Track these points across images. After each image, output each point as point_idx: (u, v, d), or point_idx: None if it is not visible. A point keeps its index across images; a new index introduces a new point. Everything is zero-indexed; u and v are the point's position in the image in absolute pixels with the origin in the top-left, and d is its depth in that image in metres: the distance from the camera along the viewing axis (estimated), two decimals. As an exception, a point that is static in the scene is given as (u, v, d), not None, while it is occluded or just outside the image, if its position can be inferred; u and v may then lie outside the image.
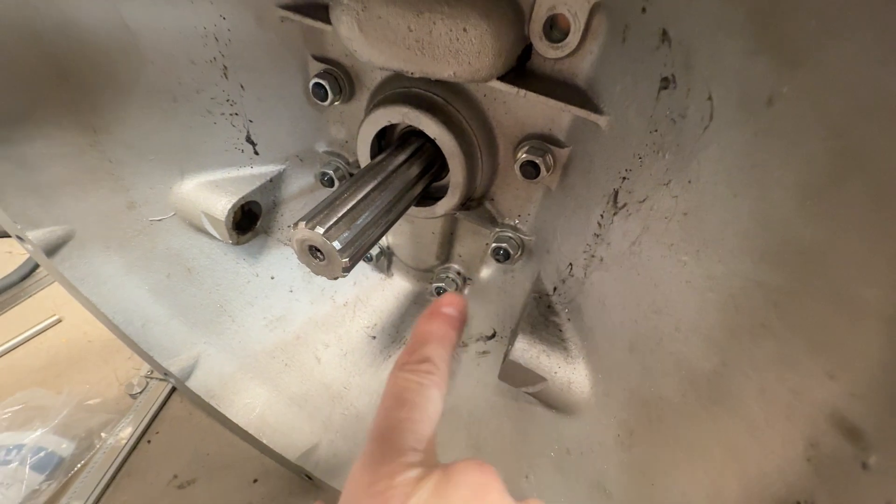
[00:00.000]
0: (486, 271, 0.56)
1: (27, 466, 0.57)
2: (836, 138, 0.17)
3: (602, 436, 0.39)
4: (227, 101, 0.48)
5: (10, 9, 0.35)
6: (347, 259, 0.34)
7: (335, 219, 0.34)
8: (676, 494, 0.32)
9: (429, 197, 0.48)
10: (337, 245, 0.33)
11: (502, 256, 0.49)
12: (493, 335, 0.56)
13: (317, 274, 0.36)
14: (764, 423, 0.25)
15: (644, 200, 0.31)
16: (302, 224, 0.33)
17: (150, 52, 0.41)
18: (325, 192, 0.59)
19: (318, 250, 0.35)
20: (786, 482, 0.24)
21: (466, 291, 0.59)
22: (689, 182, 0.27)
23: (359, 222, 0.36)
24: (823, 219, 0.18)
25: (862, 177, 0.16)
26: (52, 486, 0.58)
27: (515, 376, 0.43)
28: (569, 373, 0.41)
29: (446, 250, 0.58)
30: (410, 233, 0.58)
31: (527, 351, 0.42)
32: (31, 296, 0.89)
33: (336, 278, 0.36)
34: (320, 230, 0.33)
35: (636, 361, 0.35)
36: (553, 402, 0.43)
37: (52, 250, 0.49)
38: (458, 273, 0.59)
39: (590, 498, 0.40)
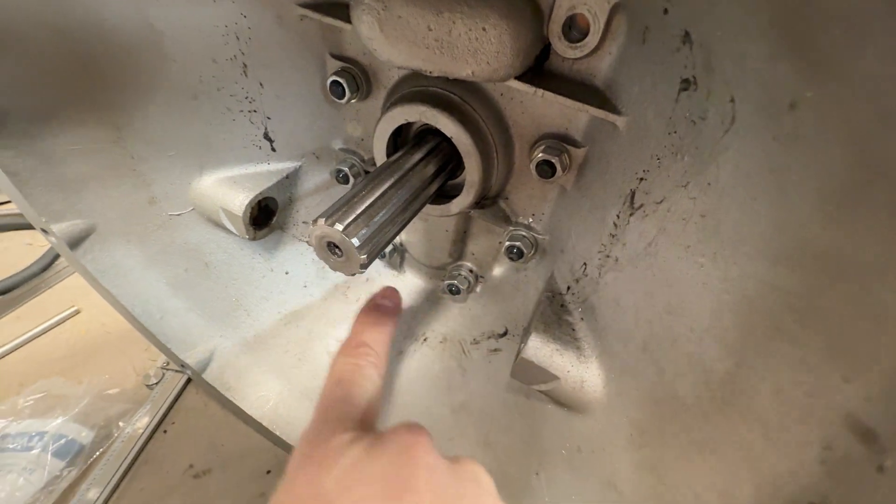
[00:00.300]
0: (499, 269, 0.57)
1: (49, 453, 0.59)
2: (858, 144, 0.17)
3: (614, 434, 0.39)
4: (246, 98, 0.48)
5: (39, 7, 0.36)
6: (365, 256, 0.35)
7: (354, 216, 0.35)
8: (688, 494, 0.32)
9: (443, 195, 0.48)
10: (355, 242, 0.34)
11: (516, 255, 0.49)
12: (505, 333, 0.57)
13: (334, 270, 0.37)
14: (778, 425, 0.25)
15: (661, 202, 0.32)
16: (321, 220, 0.34)
17: (173, 50, 0.42)
18: (340, 189, 0.59)
19: (337, 247, 0.35)
20: (799, 484, 0.24)
21: (479, 289, 0.60)
22: (708, 184, 0.27)
23: (376, 220, 0.36)
24: (842, 224, 0.19)
25: (883, 183, 0.17)
26: (72, 472, 0.60)
27: (528, 374, 0.43)
28: (581, 372, 0.41)
29: (459, 248, 0.58)
30: (424, 230, 0.58)
31: (540, 349, 0.42)
32: (50, 287, 0.91)
33: (353, 275, 0.37)
34: (339, 227, 0.34)
35: (650, 361, 0.35)
36: (565, 401, 0.44)
37: (74, 243, 0.50)
38: (471, 271, 0.59)
39: (601, 496, 0.40)
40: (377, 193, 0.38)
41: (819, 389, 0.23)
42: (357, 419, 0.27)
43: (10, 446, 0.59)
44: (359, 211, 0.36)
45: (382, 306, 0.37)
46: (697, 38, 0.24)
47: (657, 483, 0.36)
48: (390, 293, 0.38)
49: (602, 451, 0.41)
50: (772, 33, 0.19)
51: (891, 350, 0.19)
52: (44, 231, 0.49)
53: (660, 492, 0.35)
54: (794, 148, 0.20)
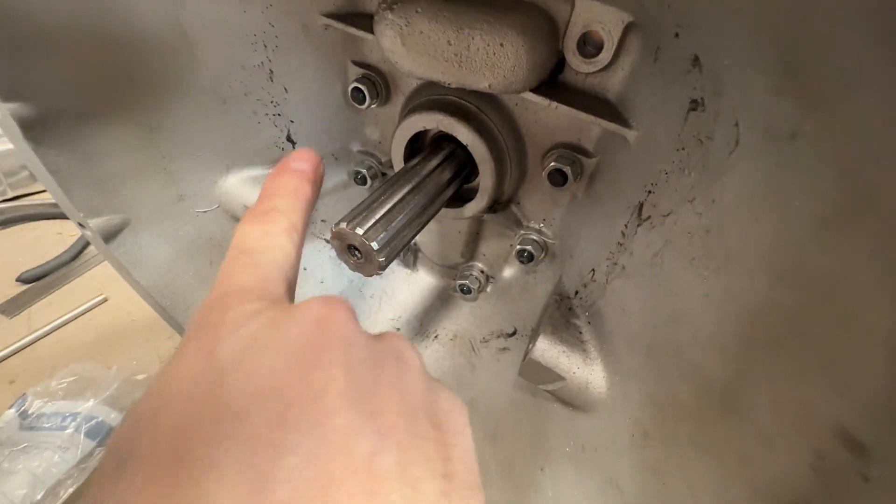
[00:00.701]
0: (510, 271, 0.58)
1: (82, 433, 0.62)
2: (850, 179, 0.18)
3: (617, 435, 0.41)
4: (272, 102, 0.51)
5: (87, 19, 0.39)
6: (383, 258, 0.37)
7: (373, 220, 0.37)
8: (686, 494, 0.34)
9: (457, 198, 0.50)
10: (375, 245, 0.36)
11: (526, 258, 0.51)
12: (514, 333, 0.58)
13: (353, 271, 0.39)
14: (774, 432, 0.27)
15: (668, 214, 0.33)
16: (343, 224, 0.36)
17: (206, 58, 0.44)
18: (358, 190, 0.61)
19: (357, 249, 0.37)
20: (790, 488, 0.26)
21: (489, 289, 0.61)
22: (713, 201, 0.28)
23: (394, 224, 0.38)
24: (836, 249, 0.20)
25: (872, 217, 0.18)
26: (102, 452, 0.64)
27: (535, 374, 0.45)
28: (587, 373, 0.43)
29: (471, 249, 0.60)
30: (437, 231, 0.60)
31: (547, 351, 0.44)
32: (79, 276, 0.96)
33: (371, 276, 0.39)
34: (360, 231, 0.35)
35: (653, 366, 0.37)
36: (570, 401, 0.45)
37: (109, 237, 0.53)
38: (482, 272, 0.61)
39: (602, 493, 0.42)
40: (396, 199, 0.39)
41: (814, 401, 0.24)
42: (263, 290, 0.23)
43: (46, 425, 0.63)
44: (378, 215, 0.37)
45: (298, 170, 0.30)
46: (706, 63, 0.25)
47: (657, 483, 0.37)
48: (307, 155, 0.31)
49: (605, 450, 0.42)
50: (777, 69, 0.20)
51: (878, 369, 0.20)
52: (80, 225, 0.52)
53: (659, 491, 0.37)
54: (794, 175, 0.21)
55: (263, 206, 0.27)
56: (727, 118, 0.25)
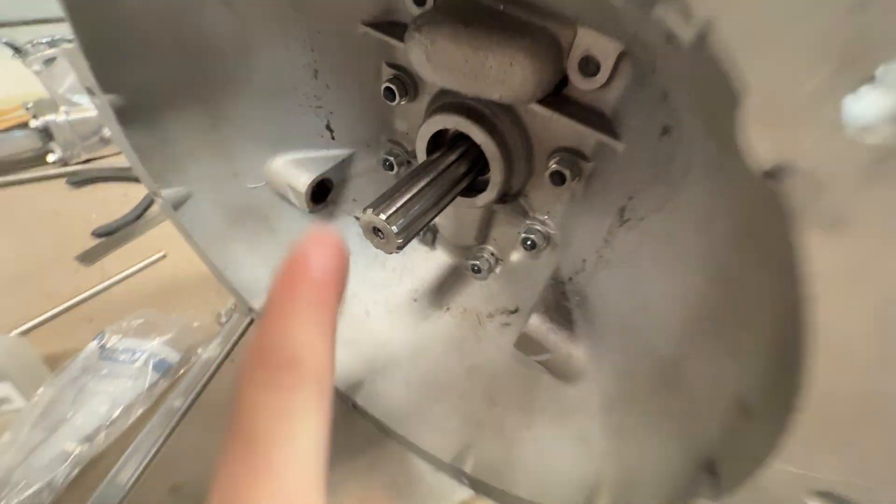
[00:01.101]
0: (516, 256, 0.65)
1: (149, 366, 0.75)
2: (741, 207, 0.24)
3: (590, 402, 0.48)
4: (315, 96, 0.58)
5: (173, 27, 0.47)
6: (401, 241, 0.44)
7: (395, 208, 0.44)
8: (636, 450, 0.41)
9: (472, 188, 0.56)
10: (394, 229, 0.43)
11: (529, 246, 0.57)
12: (516, 310, 0.66)
13: (376, 248, 0.47)
14: (700, 399, 0.33)
15: (643, 219, 0.39)
16: (369, 210, 0.44)
17: (263, 59, 0.52)
18: (385, 174, 0.69)
19: (380, 230, 0.45)
20: (707, 446, 0.32)
21: (498, 270, 0.68)
22: (673, 212, 0.34)
23: (412, 211, 0.45)
24: (741, 259, 0.26)
25: (754, 241, 0.23)
26: (164, 383, 0.77)
27: (527, 346, 0.52)
28: (570, 349, 0.50)
29: (483, 234, 0.67)
30: (454, 215, 0.67)
31: (538, 327, 0.51)
32: (142, 234, 1.09)
33: (391, 253, 0.47)
34: (383, 216, 0.43)
35: (622, 347, 0.43)
36: (555, 371, 0.52)
37: (177, 205, 0.63)
38: (492, 254, 0.67)
39: (574, 447, 0.49)
40: (415, 189, 0.47)
41: (726, 374, 0.31)
42: None
43: (120, 358, 0.76)
44: (399, 203, 0.45)
45: (320, 281, 0.20)
46: (673, 98, 0.31)
47: (618, 441, 0.44)
48: (327, 244, 0.21)
49: (580, 414, 0.50)
50: (711, 117, 0.25)
51: (762, 349, 0.26)
52: (154, 194, 0.62)
53: (619, 447, 0.44)
54: (718, 200, 0.27)
55: (279, 354, 0.18)
56: (684, 147, 0.31)
